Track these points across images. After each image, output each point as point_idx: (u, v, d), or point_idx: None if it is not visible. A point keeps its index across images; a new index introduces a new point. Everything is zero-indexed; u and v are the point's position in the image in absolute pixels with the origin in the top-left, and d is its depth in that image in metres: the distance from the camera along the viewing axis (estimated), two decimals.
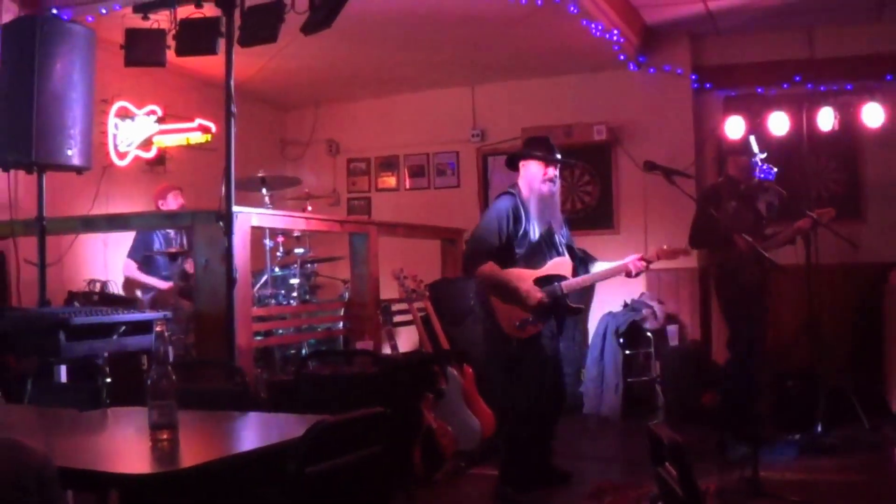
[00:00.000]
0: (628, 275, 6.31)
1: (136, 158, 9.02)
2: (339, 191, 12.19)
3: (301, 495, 2.98)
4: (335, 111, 12.13)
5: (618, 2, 8.64)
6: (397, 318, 8.56)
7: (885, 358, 8.59)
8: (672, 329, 9.65)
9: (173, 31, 6.41)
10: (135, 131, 8.91)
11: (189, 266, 8.21)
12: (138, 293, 8.47)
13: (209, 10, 6.22)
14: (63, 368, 5.50)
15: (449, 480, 6.85)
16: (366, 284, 8.16)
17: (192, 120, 9.15)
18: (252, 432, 4.04)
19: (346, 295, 8.70)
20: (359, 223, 9.14)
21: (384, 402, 3.52)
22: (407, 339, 9.58)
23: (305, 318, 8.75)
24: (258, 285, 8.38)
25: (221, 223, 5.89)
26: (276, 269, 8.67)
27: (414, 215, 10.57)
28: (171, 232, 8.66)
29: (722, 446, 7.20)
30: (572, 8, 8.05)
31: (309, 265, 8.93)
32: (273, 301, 8.43)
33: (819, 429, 7.52)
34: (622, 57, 9.72)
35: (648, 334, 9.47)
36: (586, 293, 9.03)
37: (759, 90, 9.71)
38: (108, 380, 4.77)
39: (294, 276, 8.57)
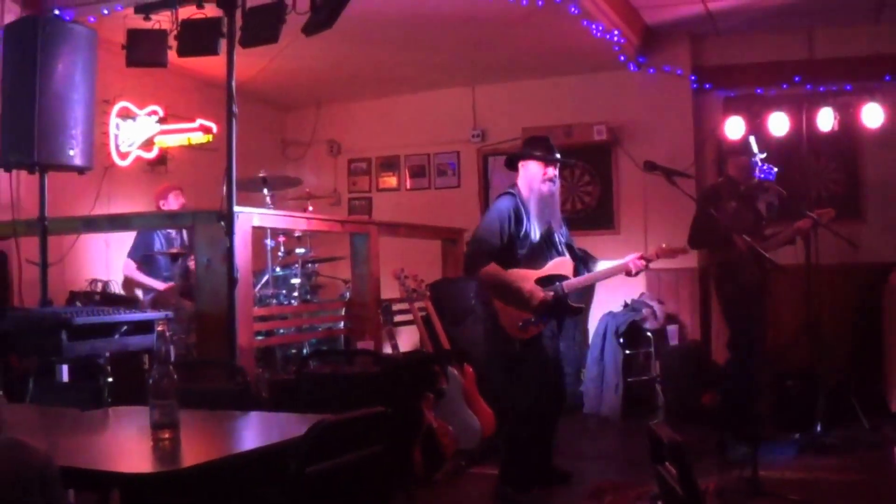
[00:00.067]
0: (628, 274, 6.32)
1: (138, 159, 9.04)
2: (340, 191, 12.21)
3: (302, 494, 2.99)
4: (336, 111, 12.14)
5: (618, 2, 8.66)
6: (398, 318, 8.57)
7: (885, 358, 8.60)
8: (672, 329, 9.66)
9: (175, 32, 6.41)
10: (136, 131, 8.93)
11: (192, 263, 8.24)
12: (139, 293, 8.48)
13: (210, 11, 6.22)
14: (65, 368, 5.51)
15: (449, 480, 6.85)
16: (367, 284, 8.17)
17: (193, 120, 9.16)
18: (253, 432, 4.05)
19: (347, 295, 8.71)
20: (360, 223, 9.15)
21: (385, 402, 3.53)
22: (408, 339, 9.58)
23: (306, 317, 8.77)
24: (259, 285, 8.39)
25: (223, 223, 5.89)
26: (278, 269, 8.68)
27: (415, 215, 10.58)
28: (172, 232, 8.67)
29: (722, 446, 7.21)
30: (573, 9, 8.06)
31: (310, 265, 8.95)
32: (274, 301, 8.45)
33: (819, 428, 7.53)
34: (622, 57, 9.73)
35: (648, 334, 9.48)
36: (586, 293, 9.04)
37: (759, 91, 9.74)
38: (110, 379, 4.78)
39: (295, 275, 8.58)
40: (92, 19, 7.48)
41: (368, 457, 3.33)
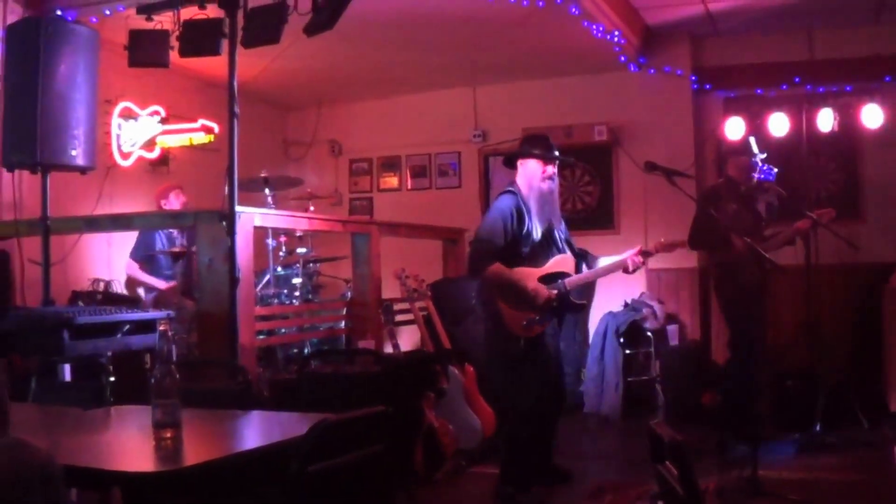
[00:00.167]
0: (625, 271, 6.33)
1: (140, 159, 9.06)
2: (342, 191, 12.23)
3: (303, 494, 2.99)
4: (337, 112, 12.16)
5: (618, 3, 8.67)
6: (399, 318, 8.59)
7: (884, 358, 8.60)
8: (672, 329, 9.68)
9: (177, 32, 6.40)
10: (138, 132, 8.95)
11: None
12: (141, 292, 8.50)
13: (212, 12, 6.22)
14: (67, 367, 5.51)
15: (450, 479, 6.86)
16: (368, 284, 8.18)
17: (195, 120, 9.18)
18: (255, 431, 4.05)
19: (349, 294, 8.72)
20: (361, 223, 9.17)
21: (386, 401, 3.53)
22: (408, 339, 9.60)
23: (308, 317, 8.78)
24: (261, 285, 8.41)
25: (224, 223, 5.89)
26: (279, 269, 8.70)
27: (415, 215, 10.58)
28: (174, 231, 8.68)
29: (722, 445, 7.22)
30: (573, 9, 8.08)
31: (311, 265, 8.96)
32: (276, 300, 8.46)
33: (818, 428, 7.55)
34: (623, 58, 9.74)
35: (649, 334, 9.48)
36: (588, 290, 9.05)
37: (759, 91, 9.76)
38: (112, 378, 4.78)
39: (296, 275, 8.59)
40: (94, 20, 7.50)
41: (369, 456, 3.34)
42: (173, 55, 6.50)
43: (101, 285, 8.01)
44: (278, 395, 6.57)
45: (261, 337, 7.38)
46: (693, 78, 10.07)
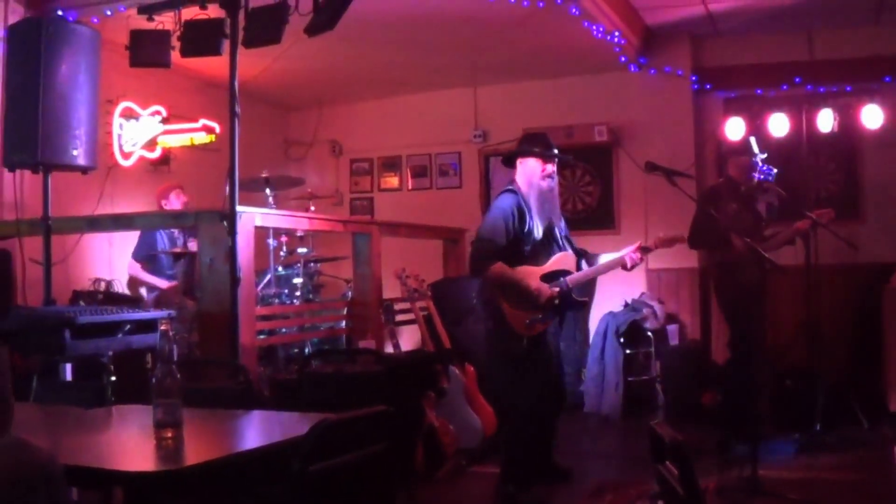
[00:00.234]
0: (625, 267, 6.35)
1: (141, 158, 9.07)
2: (342, 191, 12.24)
3: (304, 493, 2.99)
4: (338, 112, 12.16)
5: (619, 4, 8.68)
6: (399, 318, 8.59)
7: (884, 357, 8.61)
8: (672, 328, 9.69)
9: (178, 33, 6.40)
10: (139, 132, 8.97)
11: (193, 246, 8.25)
12: (143, 292, 8.51)
13: (213, 12, 6.22)
14: (68, 367, 5.52)
15: (450, 478, 6.87)
16: (368, 284, 8.19)
17: (196, 120, 9.20)
18: (256, 431, 4.05)
19: (349, 294, 8.72)
20: (361, 223, 9.17)
21: (387, 401, 3.53)
22: (409, 338, 9.61)
23: (308, 317, 8.79)
24: (262, 284, 8.41)
25: (225, 223, 5.89)
26: (280, 269, 8.70)
27: (416, 215, 10.59)
28: (175, 231, 8.70)
29: (722, 445, 7.23)
30: (574, 10, 8.09)
31: (312, 265, 8.96)
32: (276, 300, 8.47)
33: (818, 428, 7.56)
34: (623, 58, 9.75)
35: (649, 334, 9.49)
36: (589, 287, 9.06)
37: (759, 91, 9.77)
38: (113, 378, 4.78)
39: (297, 275, 8.60)
40: (95, 20, 7.51)
41: (370, 456, 3.35)
42: (174, 55, 6.50)
43: (103, 285, 8.03)
44: (279, 395, 6.58)
45: (262, 336, 7.39)
46: (693, 78, 10.08)
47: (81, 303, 7.29)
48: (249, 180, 8.52)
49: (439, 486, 6.73)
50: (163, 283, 8.46)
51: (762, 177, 7.55)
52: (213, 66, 7.49)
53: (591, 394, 9.34)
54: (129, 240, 8.62)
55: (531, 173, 6.36)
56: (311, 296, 8.83)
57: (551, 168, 6.37)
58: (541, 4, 7.83)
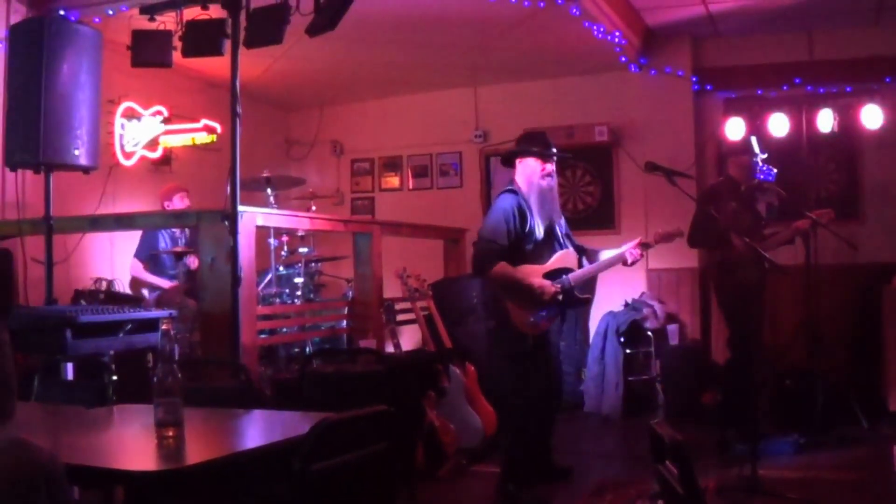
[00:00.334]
0: (625, 263, 6.37)
1: (142, 158, 9.09)
2: (343, 191, 12.25)
3: (305, 492, 2.99)
4: (339, 112, 12.18)
5: (619, 4, 8.69)
6: (400, 317, 8.59)
7: (884, 357, 8.62)
8: (672, 328, 9.69)
9: (179, 33, 6.42)
10: (141, 131, 8.98)
11: (192, 262, 8.27)
12: (144, 292, 8.52)
13: (215, 12, 6.24)
14: (70, 366, 5.53)
15: (451, 478, 6.87)
16: (369, 283, 8.19)
17: (197, 120, 9.22)
18: (257, 430, 4.05)
19: (350, 294, 8.73)
20: (362, 223, 9.17)
21: (387, 400, 3.54)
22: (410, 338, 9.62)
23: (309, 316, 8.80)
24: (263, 284, 8.42)
25: (227, 222, 5.90)
26: (281, 268, 8.72)
27: (417, 215, 10.60)
28: (177, 231, 8.71)
29: (722, 444, 7.24)
30: (574, 10, 8.10)
31: (313, 264, 8.98)
32: (277, 300, 8.48)
33: (818, 427, 7.56)
34: (624, 59, 9.76)
35: (649, 333, 9.49)
36: (590, 284, 9.08)
37: (759, 92, 9.77)
38: (114, 377, 4.79)
39: (298, 275, 8.61)
40: (97, 20, 7.52)
41: (371, 455, 3.35)
42: (176, 55, 6.51)
43: (104, 284, 8.04)
44: (280, 395, 6.58)
45: (263, 336, 7.40)
46: (694, 78, 10.09)
47: (83, 302, 7.31)
48: (251, 180, 8.54)
49: (440, 485, 6.74)
50: (164, 283, 8.48)
51: (762, 177, 7.56)
52: (215, 66, 7.50)
53: (591, 393, 9.35)
54: (130, 239, 8.63)
55: (531, 173, 6.38)
56: (312, 295, 8.84)
57: (551, 167, 6.39)
58: (542, 5, 7.85)
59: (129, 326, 5.61)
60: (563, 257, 6.36)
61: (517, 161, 6.51)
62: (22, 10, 7.42)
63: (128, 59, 6.55)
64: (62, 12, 7.38)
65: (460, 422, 7.25)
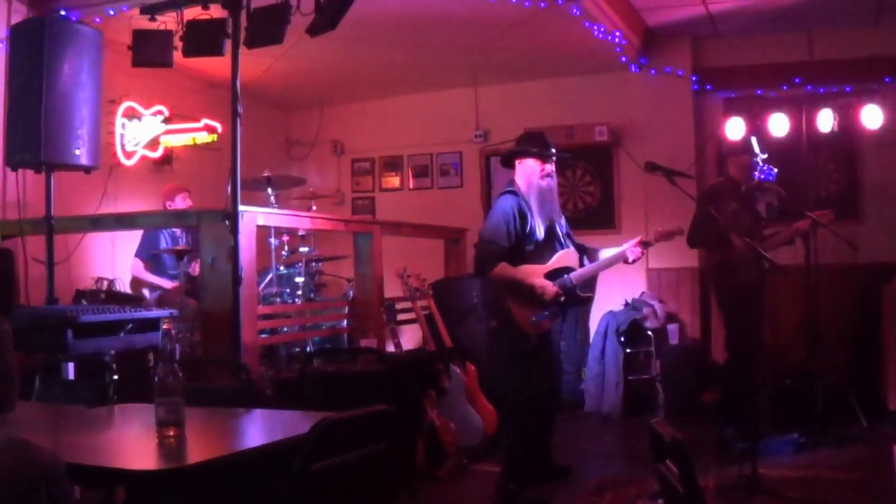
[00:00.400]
0: (626, 261, 6.39)
1: (143, 158, 9.09)
2: (344, 190, 12.25)
3: (306, 492, 3.00)
4: (340, 112, 12.18)
5: (620, 4, 8.69)
6: (401, 317, 8.59)
7: (883, 356, 8.63)
8: (672, 328, 9.70)
9: (180, 33, 6.42)
10: (142, 131, 8.99)
11: (193, 270, 8.29)
12: (145, 292, 8.53)
13: (216, 12, 6.24)
14: (71, 365, 5.54)
15: (451, 477, 6.88)
16: (370, 283, 8.20)
17: (198, 120, 9.23)
18: (257, 429, 4.05)
19: (351, 293, 8.73)
20: (363, 222, 9.17)
21: (388, 400, 3.54)
22: (410, 337, 9.62)
23: (310, 316, 8.80)
24: (263, 284, 8.43)
25: (227, 222, 5.90)
26: (282, 268, 8.72)
27: (417, 215, 10.61)
28: (178, 231, 8.71)
29: (722, 444, 7.25)
30: (575, 10, 8.10)
31: (314, 264, 8.98)
32: (278, 299, 8.48)
33: (818, 426, 7.57)
34: (624, 59, 9.76)
35: (649, 333, 9.50)
36: (591, 282, 9.09)
37: (759, 92, 9.78)
38: (115, 377, 4.80)
39: (299, 274, 8.61)
40: (98, 20, 7.53)
41: (372, 454, 3.36)
42: (177, 55, 6.51)
43: (105, 284, 8.05)
44: (281, 394, 6.59)
45: (263, 335, 7.41)
46: (694, 78, 10.09)
47: (84, 302, 7.31)
48: (251, 180, 8.54)
49: (440, 484, 6.75)
50: (165, 283, 8.49)
51: (762, 177, 7.56)
52: (215, 66, 7.51)
53: (591, 393, 9.36)
54: (131, 239, 8.64)
55: (530, 173, 6.40)
56: (312, 295, 8.85)
57: (550, 167, 6.41)
58: (542, 5, 7.85)
59: (130, 326, 5.63)
60: (564, 256, 6.38)
61: (517, 162, 6.52)
62: (23, 10, 7.42)
63: (128, 58, 6.55)
64: (63, 12, 7.39)
65: (461, 421, 7.26)
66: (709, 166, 10.07)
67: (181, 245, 8.53)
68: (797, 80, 9.59)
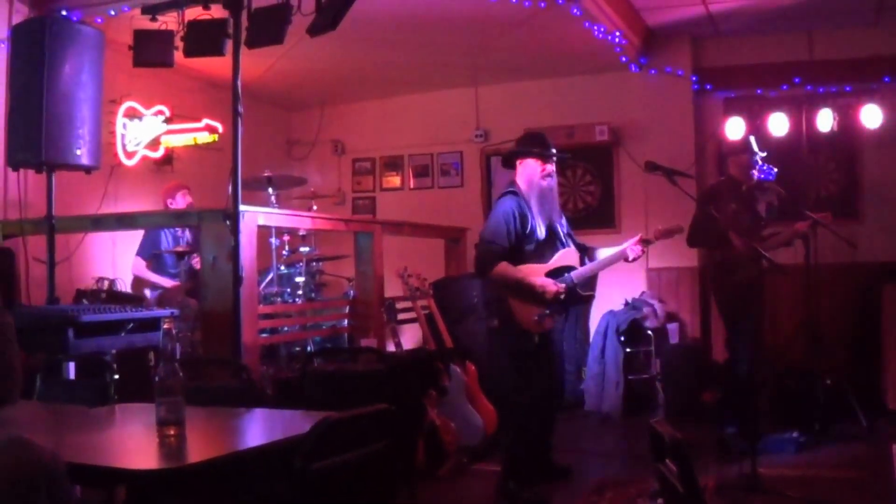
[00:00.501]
0: (626, 259, 6.41)
1: (144, 158, 9.09)
2: (344, 190, 12.25)
3: (306, 491, 2.99)
4: (341, 112, 12.19)
5: (620, 4, 8.70)
6: (401, 316, 8.61)
7: (883, 356, 8.63)
8: (672, 327, 9.71)
9: (181, 33, 6.42)
10: (143, 131, 8.99)
11: (196, 264, 8.29)
12: (146, 291, 8.54)
13: (216, 12, 6.24)
14: (71, 365, 5.52)
15: (452, 476, 6.88)
16: (370, 282, 8.20)
17: (199, 120, 9.23)
18: (258, 429, 4.05)
19: (351, 293, 8.74)
20: (363, 222, 9.17)
21: (388, 399, 3.54)
22: (411, 337, 9.63)
23: (311, 315, 8.80)
24: (264, 283, 8.43)
25: (228, 222, 5.90)
26: (282, 268, 8.72)
27: (418, 215, 10.62)
28: (179, 230, 8.72)
29: (721, 443, 7.25)
30: (575, 10, 8.10)
31: (314, 263, 8.99)
32: (279, 299, 8.48)
33: (817, 426, 7.58)
34: (624, 59, 9.77)
35: (649, 332, 9.50)
36: (592, 282, 9.09)
37: (759, 91, 9.78)
38: (116, 376, 4.80)
39: (299, 274, 8.62)
40: (99, 20, 7.53)
41: (372, 454, 3.36)
42: (178, 55, 6.51)
43: (106, 284, 8.04)
44: (281, 393, 6.59)
45: (264, 335, 7.41)
46: (694, 78, 10.09)
47: (85, 301, 7.31)
48: (252, 180, 8.54)
49: (440, 484, 6.75)
50: (167, 283, 8.49)
51: (762, 176, 7.57)
52: (216, 66, 7.52)
53: (591, 392, 9.36)
54: (132, 239, 8.64)
55: (531, 173, 6.41)
56: (313, 294, 8.86)
57: (550, 167, 6.43)
58: (542, 5, 7.86)
59: (131, 326, 5.64)
60: (564, 255, 6.39)
61: (517, 162, 6.54)
62: (24, 11, 7.43)
63: (129, 58, 6.55)
64: (64, 12, 7.39)
65: (461, 420, 7.27)
66: (709, 166, 10.07)
67: (182, 243, 8.55)
68: (797, 80, 9.59)
